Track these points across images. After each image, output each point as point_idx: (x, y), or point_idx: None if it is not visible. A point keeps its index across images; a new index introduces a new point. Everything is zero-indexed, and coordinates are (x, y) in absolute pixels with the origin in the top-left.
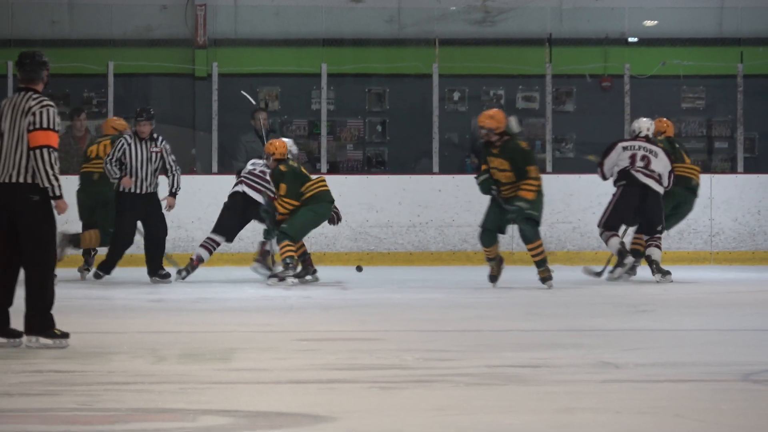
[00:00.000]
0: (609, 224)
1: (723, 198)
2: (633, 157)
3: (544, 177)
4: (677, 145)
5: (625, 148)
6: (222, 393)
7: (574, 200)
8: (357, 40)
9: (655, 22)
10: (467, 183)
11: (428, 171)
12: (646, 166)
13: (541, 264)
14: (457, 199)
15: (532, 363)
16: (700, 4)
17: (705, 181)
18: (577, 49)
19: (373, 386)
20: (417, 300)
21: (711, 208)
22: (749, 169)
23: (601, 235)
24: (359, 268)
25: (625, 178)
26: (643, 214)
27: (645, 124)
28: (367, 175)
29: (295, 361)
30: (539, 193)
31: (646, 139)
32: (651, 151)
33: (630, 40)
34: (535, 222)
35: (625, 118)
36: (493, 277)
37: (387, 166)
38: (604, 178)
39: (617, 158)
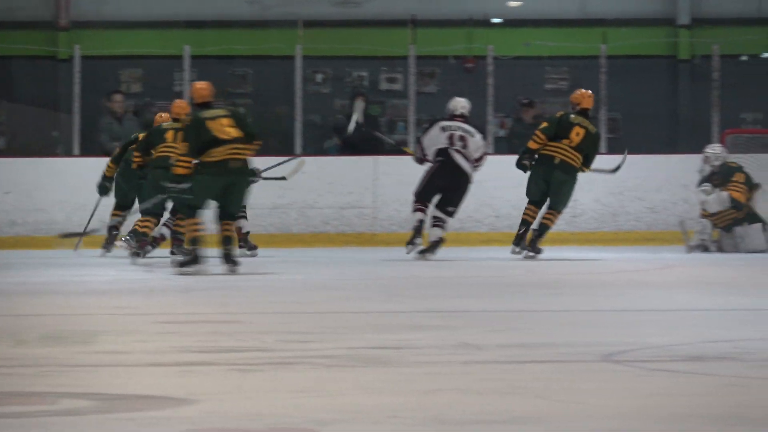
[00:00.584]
0: (421, 196)
1: (586, 178)
2: (451, 137)
3: (409, 159)
4: (572, 119)
5: (443, 129)
6: (83, 376)
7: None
8: (220, 21)
9: (519, 3)
10: (330, 165)
11: (291, 152)
12: (464, 147)
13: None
14: (319, 181)
15: (393, 345)
16: None
17: None
18: (441, 30)
19: (233, 369)
20: (278, 282)
21: (577, 190)
22: (612, 149)
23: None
24: None
25: (443, 155)
26: (447, 191)
27: (461, 103)
28: None
29: (156, 344)
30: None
31: (463, 118)
32: (468, 131)
33: (493, 21)
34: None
35: (488, 99)
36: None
37: None
38: (420, 160)
39: (436, 138)
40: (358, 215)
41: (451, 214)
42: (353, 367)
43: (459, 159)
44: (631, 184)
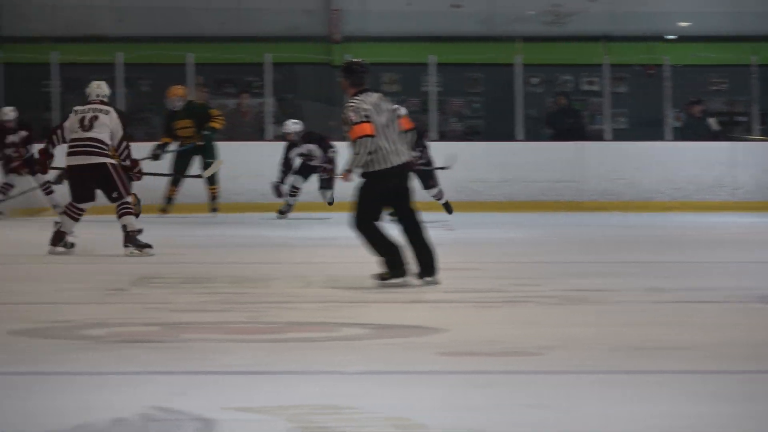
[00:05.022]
0: None
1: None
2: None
3: (609, 144)
4: None
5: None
6: (357, 310)
7: (628, 161)
8: (457, 36)
9: (689, 23)
10: (544, 148)
11: (514, 138)
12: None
13: None
14: (536, 160)
15: (596, 287)
16: (723, 9)
17: (728, 148)
18: (628, 44)
19: (474, 305)
20: (506, 239)
21: (736, 168)
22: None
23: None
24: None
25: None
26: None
27: (292, 127)
28: (467, 141)
29: (414, 286)
30: None
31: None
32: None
33: (668, 37)
34: None
35: (665, 98)
36: None
37: (482, 135)
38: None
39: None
40: (566, 187)
41: None
42: (566, 305)
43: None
44: None
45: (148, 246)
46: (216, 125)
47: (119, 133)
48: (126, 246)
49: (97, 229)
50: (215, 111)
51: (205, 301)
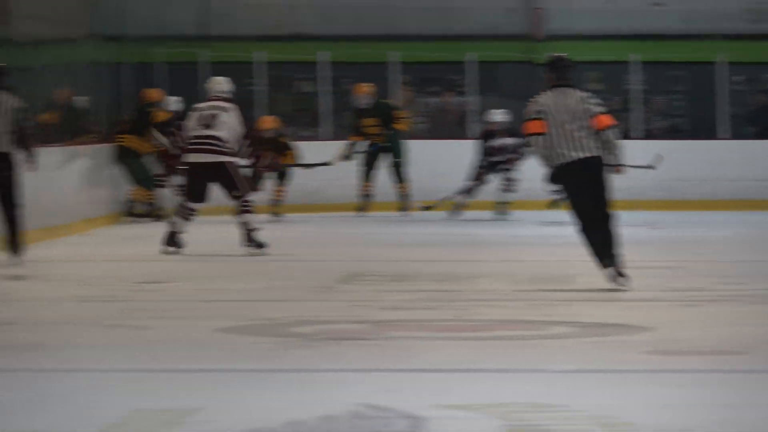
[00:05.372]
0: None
1: None
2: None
3: None
4: None
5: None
6: (565, 308)
7: None
8: (659, 34)
9: None
10: (747, 146)
11: (717, 137)
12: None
13: None
14: (744, 159)
15: None
16: None
17: None
18: None
19: (680, 304)
20: (710, 237)
21: None
22: None
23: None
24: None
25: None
26: None
27: (500, 117)
28: (670, 140)
29: (619, 285)
30: None
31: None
32: None
33: None
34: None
35: None
36: None
37: (685, 133)
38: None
39: None
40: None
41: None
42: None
43: None
44: None
45: (265, 245)
46: (400, 127)
47: (239, 130)
48: (245, 245)
49: (303, 228)
50: (401, 112)
51: (411, 298)
